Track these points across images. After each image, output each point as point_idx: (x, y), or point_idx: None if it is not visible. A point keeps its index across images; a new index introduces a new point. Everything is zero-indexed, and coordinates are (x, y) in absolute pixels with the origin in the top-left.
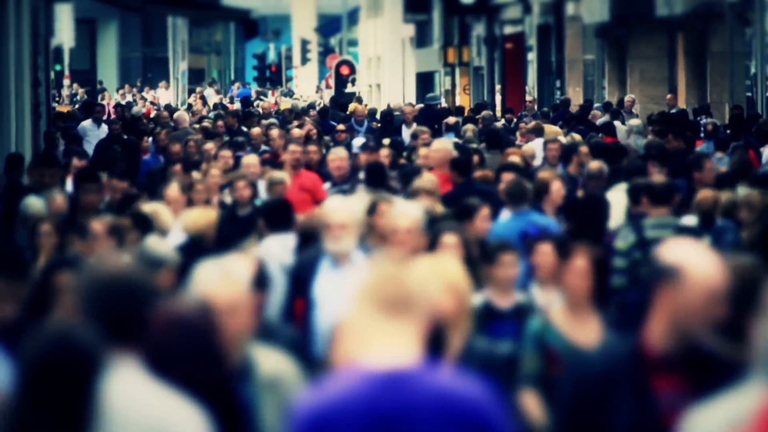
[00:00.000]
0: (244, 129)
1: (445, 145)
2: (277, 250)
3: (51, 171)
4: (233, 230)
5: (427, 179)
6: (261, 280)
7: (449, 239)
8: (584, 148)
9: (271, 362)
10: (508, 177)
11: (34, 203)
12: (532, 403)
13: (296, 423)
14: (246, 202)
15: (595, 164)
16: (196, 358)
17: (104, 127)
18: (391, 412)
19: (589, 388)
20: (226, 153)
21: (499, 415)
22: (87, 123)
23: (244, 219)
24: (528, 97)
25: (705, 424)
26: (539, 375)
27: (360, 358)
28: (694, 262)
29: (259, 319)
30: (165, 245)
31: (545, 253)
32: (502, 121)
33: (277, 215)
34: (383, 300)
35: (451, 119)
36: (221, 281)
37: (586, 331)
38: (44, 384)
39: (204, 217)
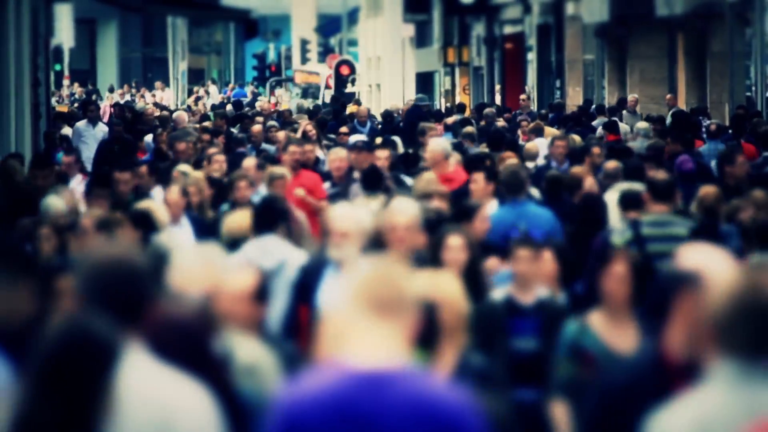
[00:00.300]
0: (233, 130)
1: (440, 145)
2: (256, 253)
3: (44, 172)
4: None
5: (427, 180)
6: (262, 293)
7: (454, 241)
8: (597, 149)
9: (249, 350)
10: (478, 177)
11: (56, 204)
12: (560, 414)
13: (272, 416)
14: (245, 203)
15: (611, 164)
16: (193, 360)
17: (100, 126)
18: (365, 412)
19: (615, 399)
20: (220, 157)
21: (474, 424)
22: (81, 123)
23: None
24: (522, 96)
25: (671, 425)
26: (571, 382)
27: (342, 355)
28: (715, 268)
29: (259, 332)
30: (176, 241)
31: (546, 259)
32: (501, 121)
33: (260, 217)
34: (372, 300)
35: (449, 119)
36: (200, 269)
37: (623, 337)
38: (59, 374)
39: (248, 219)
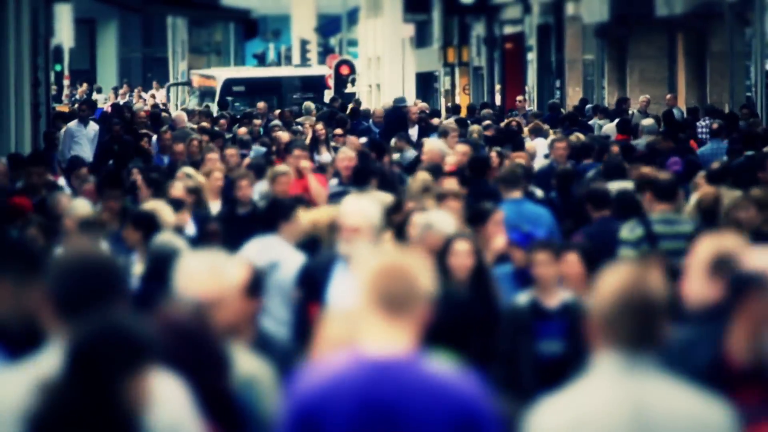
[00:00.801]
0: (216, 129)
1: (436, 145)
2: (253, 252)
3: (38, 169)
4: (231, 229)
5: (422, 180)
6: (254, 287)
7: (461, 246)
8: (615, 147)
9: (247, 364)
10: (450, 181)
11: (81, 205)
12: None
13: (289, 404)
14: (246, 201)
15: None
16: (194, 364)
17: (92, 126)
18: (382, 399)
19: None
20: (213, 155)
21: (488, 409)
22: (73, 124)
23: (243, 218)
24: (519, 98)
25: (548, 421)
26: None
27: (355, 346)
28: None
29: (253, 327)
30: (176, 238)
31: (572, 262)
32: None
33: (264, 217)
34: (382, 294)
35: (435, 120)
36: (206, 276)
37: None
38: (91, 368)
39: (323, 217)
